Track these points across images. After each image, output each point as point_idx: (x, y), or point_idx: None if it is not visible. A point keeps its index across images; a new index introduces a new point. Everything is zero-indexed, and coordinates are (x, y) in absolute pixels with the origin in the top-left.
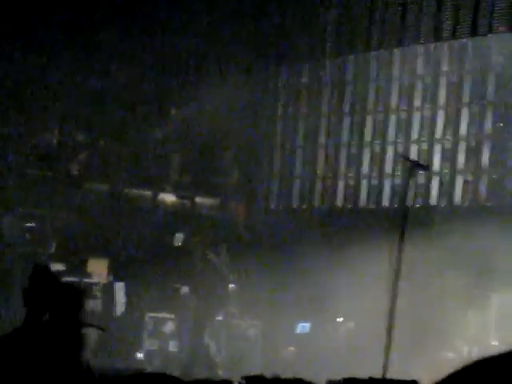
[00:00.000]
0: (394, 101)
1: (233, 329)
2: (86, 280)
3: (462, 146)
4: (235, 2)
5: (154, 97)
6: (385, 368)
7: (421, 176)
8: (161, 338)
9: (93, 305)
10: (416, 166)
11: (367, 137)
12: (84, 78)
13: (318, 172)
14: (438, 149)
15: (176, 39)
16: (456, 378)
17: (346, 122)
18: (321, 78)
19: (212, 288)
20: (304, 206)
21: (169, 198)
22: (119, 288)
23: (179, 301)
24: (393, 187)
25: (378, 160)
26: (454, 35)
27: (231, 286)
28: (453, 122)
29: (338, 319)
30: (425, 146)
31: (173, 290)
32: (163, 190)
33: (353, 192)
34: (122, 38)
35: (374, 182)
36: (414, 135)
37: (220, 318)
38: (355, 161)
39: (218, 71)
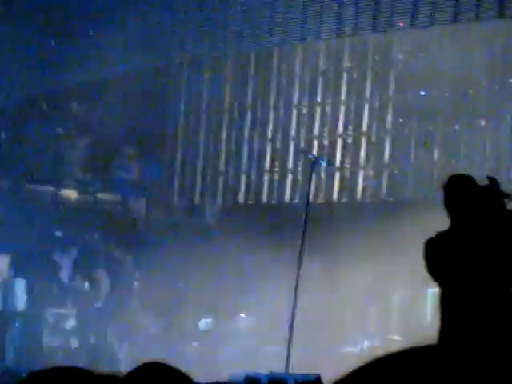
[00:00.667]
0: (295, 96)
1: (136, 325)
2: None
3: (364, 141)
4: None
5: (54, 92)
6: (287, 362)
7: (323, 171)
8: (62, 334)
9: None
10: (317, 160)
11: (269, 132)
12: None
13: (220, 168)
14: (339, 143)
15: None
16: (357, 375)
17: (248, 117)
18: (221, 73)
19: (116, 285)
20: (207, 202)
21: (71, 193)
22: (20, 284)
23: (81, 297)
24: (294, 183)
25: (280, 155)
26: (355, 31)
27: (135, 282)
28: (354, 117)
29: (240, 315)
30: (326, 141)
31: (75, 286)
32: (66, 186)
33: (254, 187)
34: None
35: (276, 177)
36: (316, 131)
37: (123, 314)
38: (257, 156)
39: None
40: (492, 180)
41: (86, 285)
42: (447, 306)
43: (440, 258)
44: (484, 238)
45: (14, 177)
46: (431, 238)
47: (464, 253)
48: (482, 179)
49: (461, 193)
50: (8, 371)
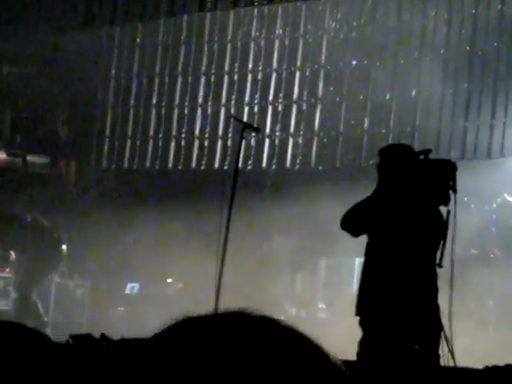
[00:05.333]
0: (227, 63)
1: (61, 288)
2: None
3: (294, 109)
4: None
5: None
6: None
7: (252, 138)
8: None
9: None
10: (248, 127)
11: (200, 98)
12: None
13: (150, 133)
14: (270, 111)
15: None
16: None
17: (179, 83)
18: (154, 39)
19: (43, 250)
20: (135, 167)
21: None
22: None
23: (7, 262)
24: (224, 149)
25: (211, 121)
26: None
27: (63, 246)
28: (285, 85)
29: (167, 280)
30: (257, 109)
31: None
32: None
33: (184, 152)
34: None
35: (206, 143)
36: (246, 97)
37: (49, 276)
38: (187, 121)
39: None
40: (426, 152)
41: (12, 253)
42: (373, 261)
43: (371, 214)
44: (410, 200)
45: None
46: (362, 200)
47: (391, 209)
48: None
49: (398, 160)
50: None
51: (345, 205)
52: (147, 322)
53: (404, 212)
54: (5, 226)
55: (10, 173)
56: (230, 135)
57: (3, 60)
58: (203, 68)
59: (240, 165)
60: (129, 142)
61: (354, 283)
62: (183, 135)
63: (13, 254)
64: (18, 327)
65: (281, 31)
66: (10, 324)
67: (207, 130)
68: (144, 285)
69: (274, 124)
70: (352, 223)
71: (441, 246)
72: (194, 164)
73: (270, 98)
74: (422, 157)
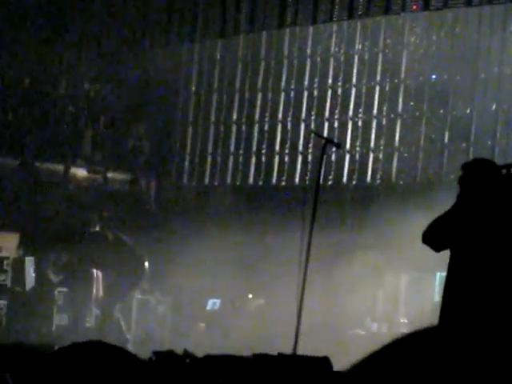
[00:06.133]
0: (306, 78)
1: (143, 305)
2: None
3: (374, 124)
4: None
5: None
6: (295, 345)
7: (333, 153)
8: (72, 313)
9: (3, 278)
10: (328, 143)
11: (279, 113)
12: None
13: (231, 149)
14: (349, 126)
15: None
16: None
17: (259, 99)
18: (234, 54)
19: (125, 267)
20: (216, 184)
21: (80, 172)
22: (29, 262)
23: (91, 279)
24: (305, 164)
25: (291, 136)
26: (367, 13)
27: (145, 263)
28: (365, 100)
29: (248, 296)
30: (337, 124)
31: (84, 272)
32: (75, 164)
33: (265, 168)
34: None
35: (286, 158)
36: (326, 113)
37: (131, 293)
38: (267, 137)
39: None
40: (509, 166)
41: (95, 271)
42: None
43: (453, 228)
44: (493, 215)
45: (23, 154)
46: (441, 215)
47: (473, 223)
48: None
49: (481, 174)
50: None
51: (426, 219)
52: (229, 338)
53: (486, 226)
54: (87, 243)
55: (91, 190)
56: (310, 151)
57: (84, 77)
58: (282, 84)
59: (321, 180)
60: (209, 159)
61: (435, 298)
62: (263, 151)
63: (95, 272)
64: (103, 346)
65: (360, 46)
66: (95, 343)
67: (287, 146)
68: (225, 301)
69: (354, 139)
70: (434, 237)
71: None
72: (274, 180)
73: (350, 113)
74: (504, 171)
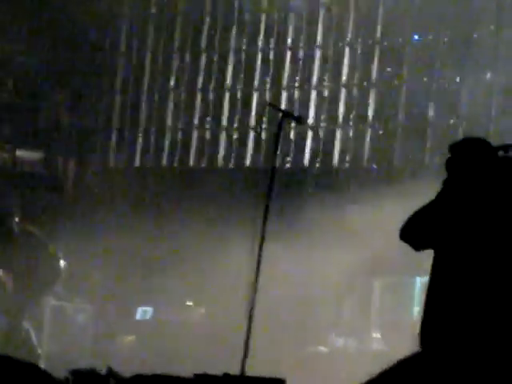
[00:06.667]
0: (261, 38)
1: (58, 313)
2: None
3: (343, 95)
4: None
5: None
6: (243, 363)
7: (292, 130)
8: None
9: None
10: (287, 116)
11: (228, 80)
12: None
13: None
14: (313, 97)
15: None
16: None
17: (202, 60)
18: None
19: (35, 267)
20: (149, 165)
21: None
22: None
23: None
24: (258, 143)
25: (240, 109)
26: None
27: (60, 262)
28: (332, 65)
29: (187, 303)
30: (297, 94)
31: None
32: None
33: (210, 147)
34: None
35: (235, 136)
36: (285, 80)
37: (43, 299)
38: (213, 109)
39: None
40: (506, 148)
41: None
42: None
43: (437, 223)
44: (487, 206)
45: None
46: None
47: (463, 215)
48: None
49: (473, 157)
50: None
51: (405, 210)
52: (164, 353)
53: (479, 219)
54: None
55: None
56: (264, 126)
57: None
58: (231, 44)
59: (277, 162)
60: (141, 135)
61: (414, 307)
62: (207, 126)
63: (0, 272)
64: (10, 361)
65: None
66: (2, 359)
67: (236, 119)
68: (158, 308)
69: (318, 113)
70: (414, 233)
71: None
72: (220, 161)
73: (314, 80)
74: (501, 153)
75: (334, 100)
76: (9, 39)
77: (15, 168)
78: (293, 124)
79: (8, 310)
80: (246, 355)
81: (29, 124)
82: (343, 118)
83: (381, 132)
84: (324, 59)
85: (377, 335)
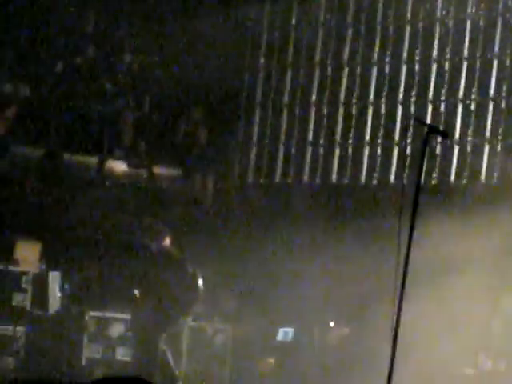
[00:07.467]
0: (404, 48)
1: (196, 334)
2: (12, 268)
3: (491, 108)
4: None
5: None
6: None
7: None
8: (106, 343)
9: (20, 299)
10: (432, 132)
11: (371, 93)
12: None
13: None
14: (459, 110)
15: None
16: None
17: (344, 72)
18: (314, 20)
19: (175, 288)
20: (289, 181)
21: (119, 166)
22: (54, 279)
23: (130, 299)
24: (402, 159)
25: (384, 123)
26: None
27: (199, 282)
28: (480, 78)
29: (329, 323)
30: (443, 107)
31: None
32: (112, 156)
33: (351, 164)
34: None
35: (379, 151)
36: (430, 93)
37: (181, 319)
38: (354, 124)
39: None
40: None
41: (136, 291)
42: None
43: None
44: None
45: (48, 143)
46: None
47: None
48: None
49: None
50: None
51: None
52: (304, 377)
53: None
54: (126, 256)
55: (131, 189)
56: (408, 141)
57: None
58: (375, 55)
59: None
60: (282, 151)
61: None
62: (350, 141)
63: (137, 292)
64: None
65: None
66: (133, 380)
67: (380, 135)
68: (300, 329)
69: (464, 126)
70: None
71: None
72: (363, 177)
73: (460, 93)
74: None
75: (481, 113)
76: (143, 51)
77: (153, 184)
78: (439, 139)
79: (145, 330)
80: (390, 375)
81: (166, 140)
82: (491, 132)
83: None
84: (471, 70)
85: None
